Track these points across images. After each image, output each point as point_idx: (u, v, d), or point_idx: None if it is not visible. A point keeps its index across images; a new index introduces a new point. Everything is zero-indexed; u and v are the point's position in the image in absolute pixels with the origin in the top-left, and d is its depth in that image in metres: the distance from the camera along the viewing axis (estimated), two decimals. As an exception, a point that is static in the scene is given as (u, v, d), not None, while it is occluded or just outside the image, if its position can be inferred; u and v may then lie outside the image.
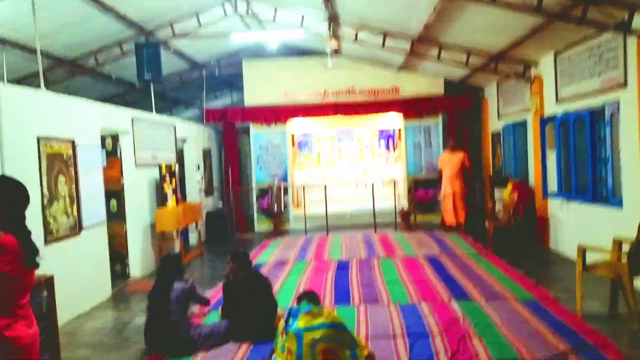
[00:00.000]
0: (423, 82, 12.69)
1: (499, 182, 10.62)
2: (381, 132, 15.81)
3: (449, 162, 11.37)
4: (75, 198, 6.51)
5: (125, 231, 8.31)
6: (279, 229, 12.25)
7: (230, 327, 5.05)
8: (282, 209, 12.37)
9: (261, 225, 13.12)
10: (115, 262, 8.34)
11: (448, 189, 11.41)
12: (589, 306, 5.67)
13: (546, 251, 8.85)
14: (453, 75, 12.18)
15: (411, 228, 11.85)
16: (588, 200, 7.55)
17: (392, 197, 13.67)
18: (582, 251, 5.33)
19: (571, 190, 8.00)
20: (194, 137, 11.76)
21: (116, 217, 8.32)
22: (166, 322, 4.72)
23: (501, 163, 11.60)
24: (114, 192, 8.30)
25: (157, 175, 9.01)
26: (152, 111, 10.16)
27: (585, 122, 7.52)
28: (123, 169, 8.24)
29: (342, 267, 8.33)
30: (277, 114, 12.95)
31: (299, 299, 4.37)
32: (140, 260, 8.41)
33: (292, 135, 15.11)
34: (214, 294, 6.84)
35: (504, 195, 10.10)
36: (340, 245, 10.34)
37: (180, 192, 10.69)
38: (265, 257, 9.47)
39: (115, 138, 8.26)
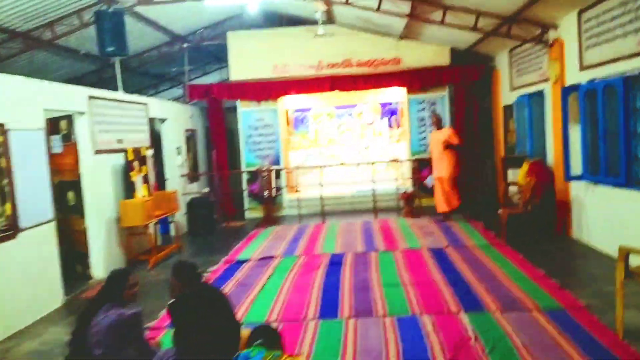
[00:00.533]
0: (427, 52, 11.45)
1: (513, 162, 9.46)
2: (383, 106, 14.62)
3: (436, 143, 10.03)
4: (10, 194, 5.45)
5: (85, 227, 7.27)
6: (270, 217, 11.19)
7: (180, 357, 3.99)
8: (274, 194, 11.29)
9: (253, 212, 12.07)
10: (76, 262, 7.34)
11: (436, 172, 10.13)
12: (632, 321, 4.57)
13: (568, 241, 7.74)
14: (460, 43, 10.94)
15: (415, 213, 10.75)
16: (620, 184, 6.40)
17: (395, 179, 12.59)
18: (625, 254, 4.21)
19: (599, 171, 6.84)
20: (174, 117, 10.65)
21: (74, 211, 7.29)
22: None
23: (515, 140, 10.41)
24: (71, 183, 7.25)
25: (124, 162, 7.94)
26: (124, 89, 9.07)
27: (617, 90, 6.32)
28: (80, 156, 7.17)
29: (335, 263, 7.27)
30: (267, 90, 11.80)
31: (252, 336, 3.30)
32: (103, 259, 7.39)
33: (286, 112, 13.98)
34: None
35: (518, 177, 8.94)
36: (335, 235, 9.27)
37: (157, 180, 9.65)
38: (250, 251, 8.42)
39: (70, 121, 7.17)
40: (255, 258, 7.93)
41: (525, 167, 8.77)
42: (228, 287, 6.44)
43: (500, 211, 8.02)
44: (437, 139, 9.91)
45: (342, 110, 14.77)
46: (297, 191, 12.93)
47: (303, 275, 6.83)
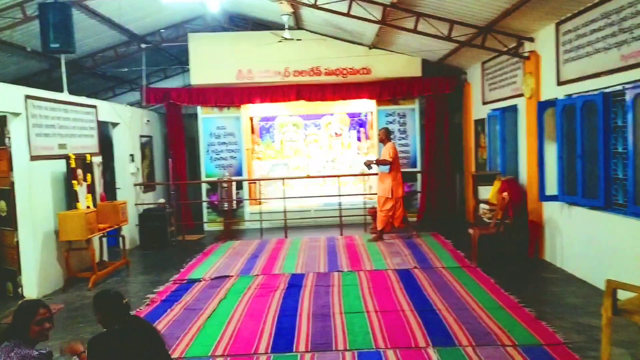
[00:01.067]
0: (398, 62, 11.03)
1: (484, 179, 9.07)
2: (352, 117, 14.17)
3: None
4: None
5: (17, 241, 6.52)
6: (230, 230, 10.55)
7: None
8: (234, 206, 10.65)
9: (212, 225, 11.41)
10: (6, 280, 6.59)
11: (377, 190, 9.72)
12: (616, 361, 4.12)
13: (542, 265, 7.33)
14: (432, 54, 10.56)
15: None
16: (599, 207, 6.03)
17: (363, 193, 12.12)
18: (612, 291, 3.76)
19: (576, 192, 6.46)
20: (128, 121, 9.94)
21: (5, 223, 6.54)
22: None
23: (486, 156, 10.05)
24: (2, 192, 6.51)
25: (66, 169, 7.22)
26: (77, 91, 8.36)
27: (597, 107, 5.97)
28: (13, 162, 6.44)
29: (294, 285, 6.69)
30: (229, 96, 11.21)
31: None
32: (37, 277, 6.65)
33: (251, 120, 13.40)
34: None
35: (490, 194, 8.56)
36: (297, 252, 8.70)
37: (107, 189, 8.93)
38: (203, 269, 7.77)
39: (2, 122, 6.45)
40: (208, 277, 7.29)
41: (497, 184, 8.38)
42: (173, 313, 5.80)
43: (470, 231, 7.58)
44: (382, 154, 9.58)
45: (309, 121, 14.26)
46: (259, 203, 12.33)
47: (258, 298, 6.22)
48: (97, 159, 8.56)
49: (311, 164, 13.61)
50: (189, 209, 11.53)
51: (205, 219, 11.48)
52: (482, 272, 6.95)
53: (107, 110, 9.18)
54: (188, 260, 8.47)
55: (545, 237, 7.47)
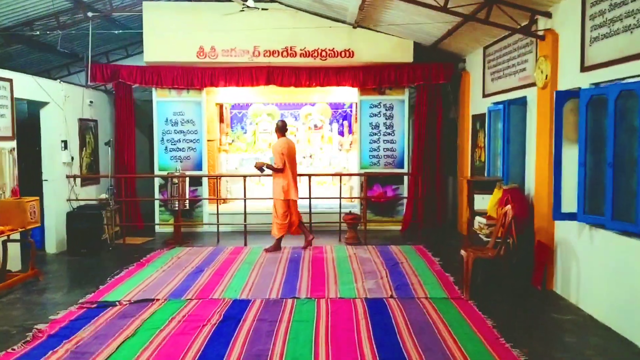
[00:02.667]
0: (386, 45, 9.45)
1: (481, 186, 7.54)
2: (334, 109, 12.61)
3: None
4: None
5: None
6: (180, 234, 8.96)
7: None
8: (186, 206, 9.05)
9: (166, 226, 9.83)
10: None
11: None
12: None
13: (551, 300, 5.81)
14: (425, 37, 9.00)
15: (358, 240, 8.72)
16: (634, 232, 4.50)
17: (343, 195, 10.59)
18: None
19: (603, 211, 4.93)
20: (60, 101, 8.33)
21: None
22: None
23: (484, 158, 8.51)
24: None
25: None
26: (25, 66, 6.78)
27: (638, 99, 4.44)
28: None
29: (231, 318, 5.13)
30: (188, 77, 9.62)
31: None
32: None
33: (220, 107, 11.82)
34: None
35: (488, 206, 7.02)
36: (252, 267, 7.15)
37: (24, 181, 7.34)
38: (126, 288, 6.19)
39: None
40: (127, 300, 5.71)
41: (497, 194, 6.86)
42: (54, 358, 4.22)
43: (463, 253, 6.02)
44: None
45: (286, 110, 12.70)
46: (223, 202, 10.75)
47: (177, 338, 4.65)
48: (9, 144, 6.97)
49: (286, 160, 12.03)
50: (138, 207, 9.95)
51: (157, 219, 9.89)
52: (476, 308, 5.40)
53: (29, 85, 7.56)
54: (116, 272, 6.90)
55: (557, 264, 5.94)
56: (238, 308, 5.44)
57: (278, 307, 5.48)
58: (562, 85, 5.77)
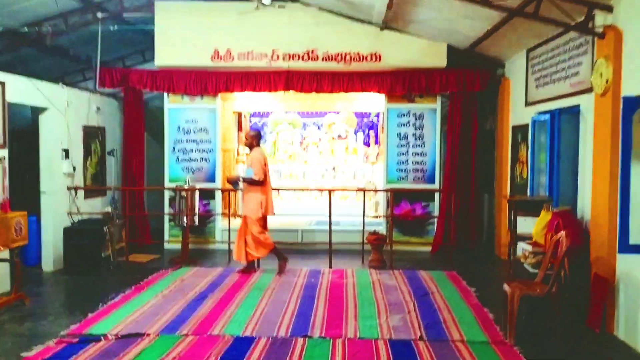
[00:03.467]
0: (416, 48, 8.60)
1: (525, 206, 6.60)
2: (360, 118, 11.82)
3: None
4: None
5: None
6: (187, 253, 8.22)
7: None
8: (195, 221, 8.31)
9: (176, 242, 9.10)
10: None
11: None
12: None
13: (612, 345, 4.85)
14: (461, 39, 8.15)
15: (384, 263, 7.86)
16: None
17: (368, 212, 9.77)
18: None
19: (685, 244, 3.98)
20: (62, 106, 7.72)
21: None
22: None
23: (526, 174, 7.58)
24: None
25: None
26: (38, 72, 6.21)
27: None
28: None
29: (231, 361, 4.34)
30: (202, 82, 8.93)
31: None
32: None
33: (239, 116, 11.15)
34: None
35: (533, 230, 6.09)
36: (261, 295, 6.34)
37: (18, 193, 6.72)
38: (117, 318, 5.45)
39: None
40: (114, 334, 4.96)
41: (544, 217, 5.93)
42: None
43: (507, 288, 5.10)
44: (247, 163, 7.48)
45: (309, 119, 11.98)
46: (237, 217, 10.00)
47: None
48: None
49: (308, 172, 11.30)
50: (147, 222, 9.27)
51: (166, 235, 9.19)
52: (523, 356, 4.49)
53: (23, 88, 6.95)
54: (111, 297, 6.18)
55: (618, 303, 4.98)
56: (239, 349, 4.64)
57: (286, 348, 4.65)
58: (627, 91, 4.84)
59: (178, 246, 8.99)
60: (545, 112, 6.84)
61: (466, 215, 8.76)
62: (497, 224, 8.71)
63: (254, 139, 7.36)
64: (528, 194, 7.41)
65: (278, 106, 10.61)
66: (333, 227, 8.62)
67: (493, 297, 6.05)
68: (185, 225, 8.19)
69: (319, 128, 11.87)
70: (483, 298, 6.19)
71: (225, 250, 8.72)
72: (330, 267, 7.78)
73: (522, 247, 6.16)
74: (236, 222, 9.36)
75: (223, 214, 9.29)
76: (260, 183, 7.13)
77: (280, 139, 11.58)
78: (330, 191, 8.05)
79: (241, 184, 7.29)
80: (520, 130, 7.91)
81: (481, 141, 8.99)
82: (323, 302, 6.09)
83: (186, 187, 8.16)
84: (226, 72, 8.87)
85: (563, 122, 6.25)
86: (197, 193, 8.24)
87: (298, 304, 6.01)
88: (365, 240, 8.08)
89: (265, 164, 7.28)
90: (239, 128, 11.57)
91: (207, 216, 9.13)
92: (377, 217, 9.95)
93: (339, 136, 11.61)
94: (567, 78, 6.31)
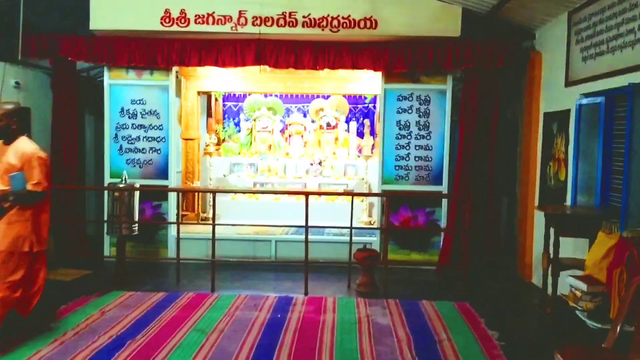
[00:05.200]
0: (423, 13, 6.75)
1: (570, 223, 4.77)
2: (354, 103, 9.98)
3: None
4: None
5: None
6: (123, 271, 6.39)
7: None
8: (133, 230, 6.45)
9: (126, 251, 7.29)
10: None
11: None
12: None
13: None
14: (480, 0, 6.30)
15: (375, 288, 6.06)
16: None
17: (360, 216, 8.02)
18: None
19: None
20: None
21: None
22: None
23: (564, 176, 5.75)
24: None
25: None
26: None
27: None
28: None
29: None
30: (151, 52, 7.06)
31: None
32: None
33: (209, 98, 9.36)
34: None
35: (587, 258, 4.26)
36: (201, 341, 4.52)
37: None
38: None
39: None
40: None
41: (604, 241, 4.12)
42: None
43: (560, 358, 3.27)
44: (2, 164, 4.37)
45: (292, 105, 10.14)
46: (200, 222, 8.21)
47: None
48: None
49: (290, 166, 9.46)
50: (83, 228, 7.46)
51: (105, 245, 7.36)
52: None
53: None
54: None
55: None
56: None
57: None
58: None
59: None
60: (597, 94, 5.00)
61: (481, 226, 6.91)
62: (520, 236, 6.88)
63: (17, 121, 4.41)
64: (568, 202, 5.58)
65: (253, 87, 8.74)
66: (315, 237, 6.91)
67: (524, 348, 4.26)
68: (119, 234, 6.34)
69: (304, 115, 10.01)
70: (510, 350, 4.37)
71: (182, 263, 6.92)
72: (306, 293, 5.96)
73: (570, 283, 4.33)
74: (192, 229, 7.55)
75: (184, 218, 7.49)
76: (42, 196, 4.40)
77: (258, 126, 9.72)
78: (306, 195, 6.17)
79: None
80: (556, 118, 6.06)
81: (502, 133, 7.13)
82: (287, 348, 4.28)
83: (122, 185, 6.30)
84: (181, 40, 7.01)
85: (636, 106, 4.37)
86: (136, 194, 6.38)
87: (252, 355, 4.20)
88: (353, 259, 6.25)
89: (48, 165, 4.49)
90: (209, 113, 9.73)
91: (156, 222, 7.30)
92: (370, 224, 8.14)
93: (328, 125, 9.75)
94: (634, 45, 4.45)
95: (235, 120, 9.95)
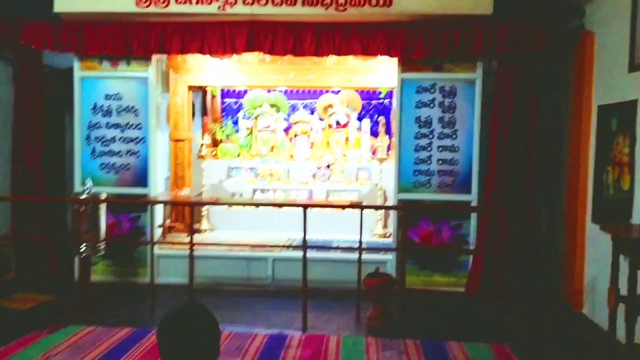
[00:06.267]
0: (447, -12, 5.60)
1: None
2: (366, 99, 8.85)
3: None
4: None
5: None
6: (87, 299, 5.35)
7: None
8: (98, 250, 5.39)
9: (97, 273, 6.26)
10: None
11: None
12: None
13: None
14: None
15: (389, 321, 4.93)
16: None
17: (371, 231, 6.94)
18: None
19: None
20: None
21: None
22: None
23: (628, 184, 4.55)
24: None
25: None
26: None
27: None
28: None
29: None
30: (127, 39, 6.00)
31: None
32: None
33: (204, 92, 8.34)
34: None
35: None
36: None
37: None
38: None
39: None
40: None
41: None
42: None
43: None
44: None
45: (298, 101, 9.05)
46: (182, 242, 7.15)
47: None
48: None
49: (294, 170, 8.37)
50: (52, 246, 6.43)
51: (75, 266, 6.32)
52: None
53: None
54: None
55: None
56: None
57: None
58: None
59: (100, 277, 6.22)
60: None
61: (519, 243, 5.71)
62: (566, 257, 5.68)
63: None
64: (635, 218, 4.38)
65: (250, 80, 7.65)
66: (319, 255, 5.80)
67: None
68: (81, 255, 5.29)
69: (311, 112, 8.90)
70: None
71: (164, 285, 5.90)
72: (304, 329, 4.84)
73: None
74: (179, 244, 6.48)
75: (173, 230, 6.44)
76: None
77: (260, 125, 8.63)
78: (304, 207, 5.05)
79: None
80: (616, 112, 4.85)
81: (543, 129, 5.92)
82: None
83: (84, 196, 5.25)
84: (160, 24, 5.94)
85: None
86: (102, 207, 5.32)
87: None
88: (362, 284, 5.13)
89: None
90: (204, 111, 8.67)
91: (126, 241, 6.26)
92: (386, 236, 7.01)
93: (338, 123, 8.62)
94: None
95: (234, 119, 8.88)
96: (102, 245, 5.30)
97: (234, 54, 6.05)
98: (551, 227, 6.17)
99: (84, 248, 5.19)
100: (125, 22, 5.97)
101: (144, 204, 6.10)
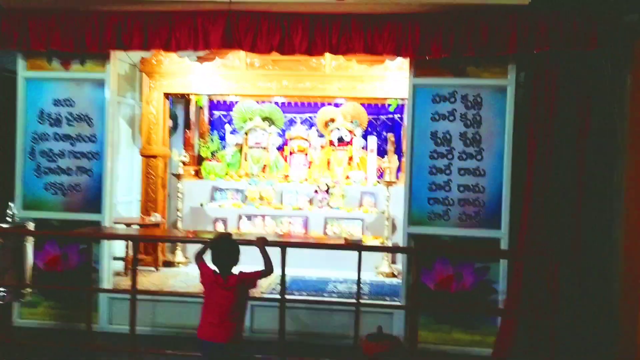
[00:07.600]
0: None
1: None
2: (374, 113, 7.75)
3: None
4: None
5: None
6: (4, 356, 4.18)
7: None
8: (21, 297, 4.23)
9: (33, 315, 5.13)
10: None
11: None
12: None
13: None
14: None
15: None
16: None
17: (376, 268, 5.77)
18: None
19: None
20: None
21: None
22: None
23: None
24: None
25: None
26: None
27: None
28: None
29: None
30: (78, 32, 4.92)
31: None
32: None
33: (187, 101, 7.30)
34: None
35: None
36: None
37: None
38: None
39: None
40: None
41: None
42: None
43: None
44: None
45: (296, 115, 7.98)
46: (137, 291, 6.03)
47: None
48: None
49: (287, 193, 7.23)
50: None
51: (16, 306, 5.17)
52: None
53: None
54: None
55: None
56: None
57: None
58: None
59: (34, 323, 5.06)
60: None
61: (564, 284, 4.45)
62: (621, 311, 4.43)
63: None
64: None
65: (237, 87, 6.53)
66: (308, 300, 4.58)
67: None
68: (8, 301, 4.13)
69: (310, 126, 7.78)
70: None
71: (114, 334, 4.73)
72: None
73: None
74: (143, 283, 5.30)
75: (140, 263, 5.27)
76: None
77: (251, 141, 7.51)
78: (283, 246, 3.85)
79: None
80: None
81: (594, 145, 4.71)
82: None
83: (6, 225, 4.10)
84: (118, 14, 4.85)
85: None
86: (29, 243, 4.16)
87: None
88: (361, 345, 3.91)
89: None
90: (187, 124, 7.59)
91: (56, 287, 5.10)
92: (393, 275, 5.83)
93: (340, 140, 7.47)
94: None
95: (221, 133, 7.78)
96: (24, 293, 4.13)
97: (206, 49, 4.92)
98: (596, 269, 4.91)
99: (2, 293, 4.01)
100: (77, 12, 4.89)
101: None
